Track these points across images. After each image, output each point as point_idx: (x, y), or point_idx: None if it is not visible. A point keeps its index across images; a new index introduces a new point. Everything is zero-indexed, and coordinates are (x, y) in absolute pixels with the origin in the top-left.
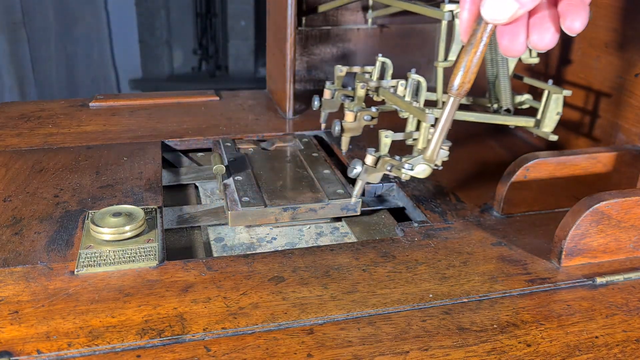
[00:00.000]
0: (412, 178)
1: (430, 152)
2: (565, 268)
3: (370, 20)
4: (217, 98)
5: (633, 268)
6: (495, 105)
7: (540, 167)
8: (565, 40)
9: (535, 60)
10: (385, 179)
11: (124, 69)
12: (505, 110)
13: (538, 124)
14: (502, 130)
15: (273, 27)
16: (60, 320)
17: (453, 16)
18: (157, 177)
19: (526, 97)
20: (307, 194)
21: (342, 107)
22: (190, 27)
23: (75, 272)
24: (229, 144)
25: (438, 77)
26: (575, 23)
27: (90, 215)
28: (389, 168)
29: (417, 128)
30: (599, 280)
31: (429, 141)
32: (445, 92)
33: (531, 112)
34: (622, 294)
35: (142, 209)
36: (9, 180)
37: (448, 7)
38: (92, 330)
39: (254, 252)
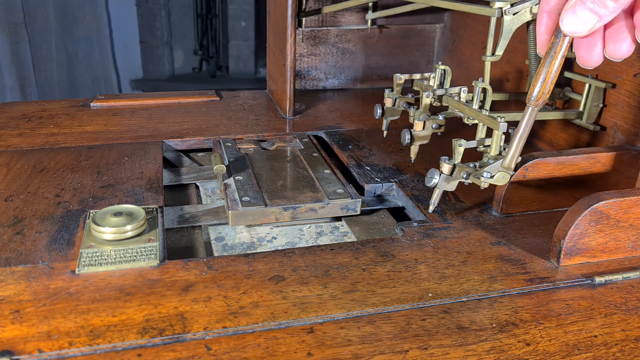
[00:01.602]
0: (412, 178)
1: (509, 160)
2: (564, 267)
3: (369, 21)
4: (218, 98)
5: (632, 267)
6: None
7: (539, 167)
8: None
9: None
10: (386, 179)
11: (125, 70)
12: (548, 103)
13: (580, 115)
14: None
15: (273, 28)
16: (62, 320)
17: (502, 13)
18: (158, 176)
19: (566, 89)
20: (307, 194)
21: (402, 114)
22: (191, 27)
23: (77, 272)
24: (229, 144)
25: (486, 71)
26: None
27: (91, 214)
28: (464, 176)
29: (487, 135)
30: (597, 279)
31: (506, 149)
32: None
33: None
34: (620, 293)
35: (143, 208)
36: (11, 180)
37: (497, 4)
38: (93, 329)
39: (254, 251)
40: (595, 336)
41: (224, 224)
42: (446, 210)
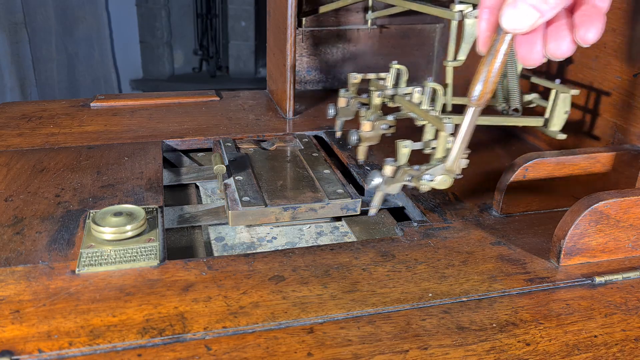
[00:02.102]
0: None
1: (451, 162)
2: (564, 267)
3: (370, 21)
4: (218, 98)
5: (632, 267)
6: (504, 105)
7: (539, 167)
8: None
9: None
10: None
11: (125, 70)
12: (514, 109)
13: (546, 123)
14: (501, 129)
15: (273, 28)
16: (62, 320)
17: (463, 16)
18: (157, 176)
19: (534, 96)
20: (307, 194)
21: (357, 115)
22: (191, 27)
23: (77, 272)
24: (229, 144)
25: (447, 76)
26: (589, 34)
27: (91, 214)
28: (408, 178)
29: (435, 136)
30: (597, 279)
31: (449, 151)
32: (459, 95)
33: (535, 112)
34: (620, 293)
35: (143, 208)
36: (11, 180)
37: (458, 7)
38: (93, 329)
39: (254, 251)
40: (595, 336)
41: (224, 224)
42: (446, 210)
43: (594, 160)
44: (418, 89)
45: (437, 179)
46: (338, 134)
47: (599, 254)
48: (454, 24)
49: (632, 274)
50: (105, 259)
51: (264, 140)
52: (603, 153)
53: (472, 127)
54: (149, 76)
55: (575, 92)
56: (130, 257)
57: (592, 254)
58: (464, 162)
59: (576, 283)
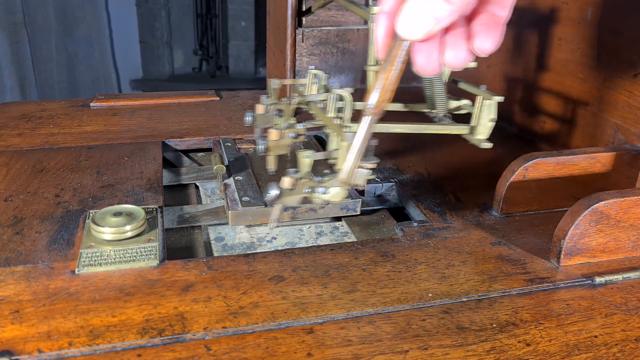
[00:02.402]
0: (412, 178)
1: (345, 174)
2: (564, 267)
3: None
4: (218, 98)
5: (632, 267)
6: (434, 112)
7: (539, 167)
8: (564, 41)
9: (473, 65)
10: (386, 179)
11: (125, 70)
12: (444, 116)
13: (472, 131)
14: (501, 129)
15: (273, 28)
16: (61, 320)
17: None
18: (157, 176)
19: (464, 102)
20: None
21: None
22: (191, 27)
23: (76, 272)
24: (229, 144)
25: (368, 81)
26: (485, 44)
27: (91, 214)
28: (308, 190)
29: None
30: (598, 279)
31: (344, 163)
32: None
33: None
34: (621, 293)
35: (142, 208)
36: (10, 180)
37: (376, 9)
38: (92, 329)
39: (254, 251)
40: (596, 336)
41: (223, 224)
42: (446, 210)
43: (594, 160)
44: (335, 95)
45: (330, 191)
46: (259, 147)
47: (599, 254)
48: (372, 26)
49: (632, 274)
50: (105, 259)
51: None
52: (603, 153)
53: (367, 138)
54: (148, 76)
55: (499, 98)
56: (130, 257)
57: (593, 254)
58: (365, 173)
59: (576, 283)
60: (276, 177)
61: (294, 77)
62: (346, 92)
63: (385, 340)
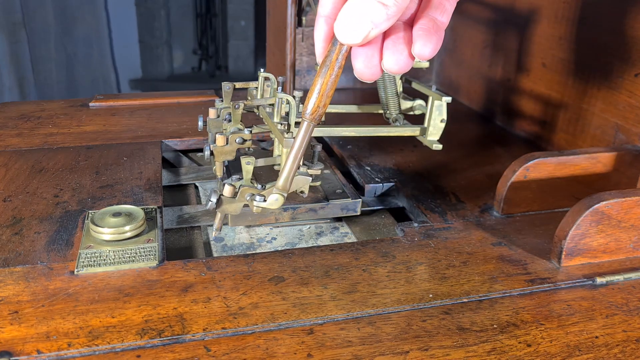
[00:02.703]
0: (412, 177)
1: (282, 181)
2: (565, 268)
3: None
4: (217, 98)
5: (633, 268)
6: (388, 113)
7: (540, 167)
8: (565, 40)
9: (425, 65)
10: (386, 179)
11: (124, 69)
12: (398, 116)
13: (424, 132)
14: (501, 130)
15: (273, 27)
16: (60, 320)
17: None
18: (157, 177)
19: (418, 102)
20: (307, 194)
21: None
22: (190, 27)
23: (75, 272)
24: None
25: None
26: (425, 49)
27: (90, 215)
28: (248, 198)
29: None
30: (599, 280)
31: (282, 169)
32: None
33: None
34: (622, 294)
35: (142, 209)
36: (9, 180)
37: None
38: (92, 330)
39: (253, 252)
40: (597, 337)
41: (223, 224)
42: (447, 211)
43: (595, 161)
44: (289, 98)
45: (269, 199)
46: (205, 153)
47: (600, 254)
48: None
49: (633, 275)
50: (104, 260)
51: (264, 140)
52: (604, 153)
53: (305, 144)
54: (148, 76)
55: (447, 99)
56: (129, 257)
57: (594, 255)
58: (305, 180)
59: (577, 284)
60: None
61: (294, 76)
62: (290, 97)
63: (385, 341)
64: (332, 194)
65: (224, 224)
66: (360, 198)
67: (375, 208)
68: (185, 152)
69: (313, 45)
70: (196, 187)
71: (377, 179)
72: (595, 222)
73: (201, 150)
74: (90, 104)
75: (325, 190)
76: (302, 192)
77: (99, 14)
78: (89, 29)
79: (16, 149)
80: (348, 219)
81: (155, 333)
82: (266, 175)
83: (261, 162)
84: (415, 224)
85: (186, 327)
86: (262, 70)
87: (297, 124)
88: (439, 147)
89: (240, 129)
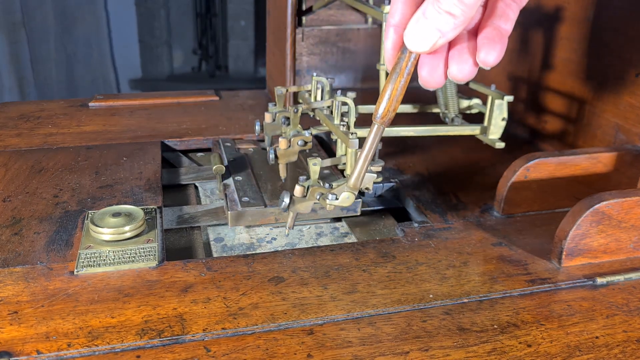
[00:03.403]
0: (412, 178)
1: (354, 180)
2: (566, 268)
3: (370, 20)
4: (217, 98)
5: (633, 268)
6: (445, 112)
7: (540, 167)
8: (566, 40)
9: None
10: (386, 179)
11: (124, 69)
12: (456, 116)
13: (485, 130)
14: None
15: (273, 27)
16: (60, 321)
17: None
18: (156, 177)
19: (475, 101)
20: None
21: None
22: (190, 27)
23: (75, 273)
24: (228, 144)
25: (381, 80)
26: (489, 57)
27: (89, 215)
28: (318, 197)
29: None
30: (599, 280)
31: (353, 169)
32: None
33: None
34: (622, 294)
35: (141, 209)
36: (9, 180)
37: (387, 8)
38: (91, 330)
39: (253, 252)
40: (597, 337)
41: (223, 224)
42: (447, 211)
43: (595, 161)
44: (338, 101)
45: (340, 197)
46: (269, 153)
47: (600, 254)
48: (385, 26)
49: (633, 275)
50: (104, 260)
51: (264, 140)
52: (604, 153)
53: (375, 146)
54: (148, 76)
55: (509, 98)
56: (129, 258)
57: (594, 255)
58: (372, 177)
59: (578, 284)
60: (275, 176)
61: (294, 76)
62: (349, 99)
63: (385, 342)
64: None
65: (223, 225)
66: (360, 198)
67: (375, 208)
68: (185, 152)
69: (313, 45)
70: (196, 187)
71: (377, 179)
72: (596, 222)
73: (201, 150)
74: (90, 104)
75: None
76: (367, 188)
77: (99, 14)
78: (89, 29)
79: (16, 149)
80: (348, 219)
81: (155, 333)
82: (266, 175)
83: (327, 162)
84: (416, 224)
85: (186, 327)
86: (314, 73)
87: (355, 124)
88: (502, 145)
89: (299, 132)
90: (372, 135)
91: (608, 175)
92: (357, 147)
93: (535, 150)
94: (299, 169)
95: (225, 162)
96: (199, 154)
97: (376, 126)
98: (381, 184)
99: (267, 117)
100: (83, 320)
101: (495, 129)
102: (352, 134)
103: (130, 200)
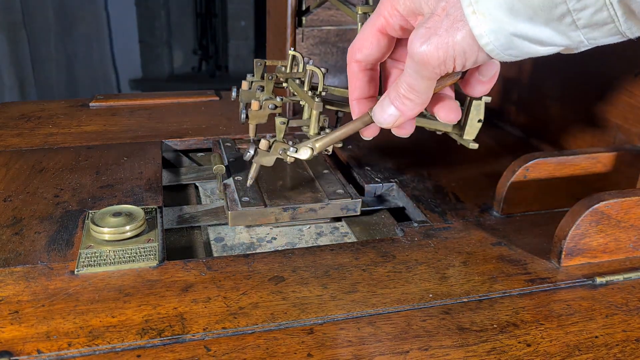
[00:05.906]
0: (412, 178)
1: (322, 143)
2: (565, 268)
3: None
4: (217, 98)
5: (633, 268)
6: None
7: (540, 167)
8: None
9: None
10: (386, 179)
11: (124, 69)
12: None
13: (460, 131)
14: (502, 130)
15: (273, 27)
16: (61, 320)
17: (367, 19)
18: (157, 177)
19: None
20: (307, 194)
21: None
22: (190, 27)
23: (76, 272)
24: (229, 144)
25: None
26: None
27: (90, 215)
28: (281, 152)
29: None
30: (598, 280)
31: (325, 134)
32: None
33: None
34: (621, 293)
35: (142, 208)
36: (10, 180)
37: (362, 9)
38: (92, 330)
39: (254, 252)
40: (596, 337)
41: (223, 224)
42: (447, 211)
43: (594, 161)
44: (322, 71)
45: (300, 150)
46: (242, 116)
47: (600, 254)
48: (360, 27)
49: (633, 275)
50: (104, 260)
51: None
52: (604, 153)
53: (357, 128)
54: (148, 76)
55: (487, 99)
56: (130, 257)
57: (593, 255)
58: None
59: (577, 283)
60: (275, 176)
61: None
62: (319, 69)
63: (385, 341)
64: (332, 194)
65: (223, 224)
66: (360, 198)
67: (375, 208)
68: (185, 152)
69: (313, 45)
70: (196, 187)
71: (377, 179)
72: (595, 222)
73: (201, 150)
74: (91, 104)
75: (325, 190)
76: (327, 151)
77: (99, 14)
78: (89, 29)
79: (16, 149)
80: (348, 219)
81: (155, 333)
82: (266, 175)
83: (293, 123)
84: (415, 224)
85: (186, 327)
86: (292, 49)
87: (323, 91)
88: (475, 146)
89: (272, 97)
90: (360, 120)
91: (607, 175)
92: (321, 109)
93: (534, 151)
94: (299, 169)
95: (226, 162)
96: (199, 154)
97: (369, 116)
98: (381, 184)
99: (244, 85)
100: (83, 320)
101: (470, 130)
102: (317, 96)
103: (131, 200)
